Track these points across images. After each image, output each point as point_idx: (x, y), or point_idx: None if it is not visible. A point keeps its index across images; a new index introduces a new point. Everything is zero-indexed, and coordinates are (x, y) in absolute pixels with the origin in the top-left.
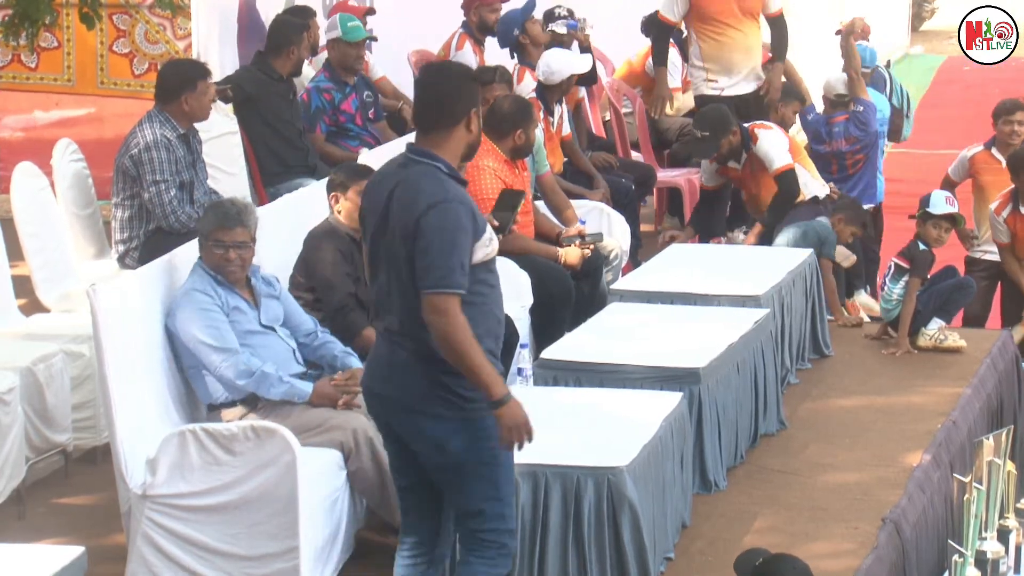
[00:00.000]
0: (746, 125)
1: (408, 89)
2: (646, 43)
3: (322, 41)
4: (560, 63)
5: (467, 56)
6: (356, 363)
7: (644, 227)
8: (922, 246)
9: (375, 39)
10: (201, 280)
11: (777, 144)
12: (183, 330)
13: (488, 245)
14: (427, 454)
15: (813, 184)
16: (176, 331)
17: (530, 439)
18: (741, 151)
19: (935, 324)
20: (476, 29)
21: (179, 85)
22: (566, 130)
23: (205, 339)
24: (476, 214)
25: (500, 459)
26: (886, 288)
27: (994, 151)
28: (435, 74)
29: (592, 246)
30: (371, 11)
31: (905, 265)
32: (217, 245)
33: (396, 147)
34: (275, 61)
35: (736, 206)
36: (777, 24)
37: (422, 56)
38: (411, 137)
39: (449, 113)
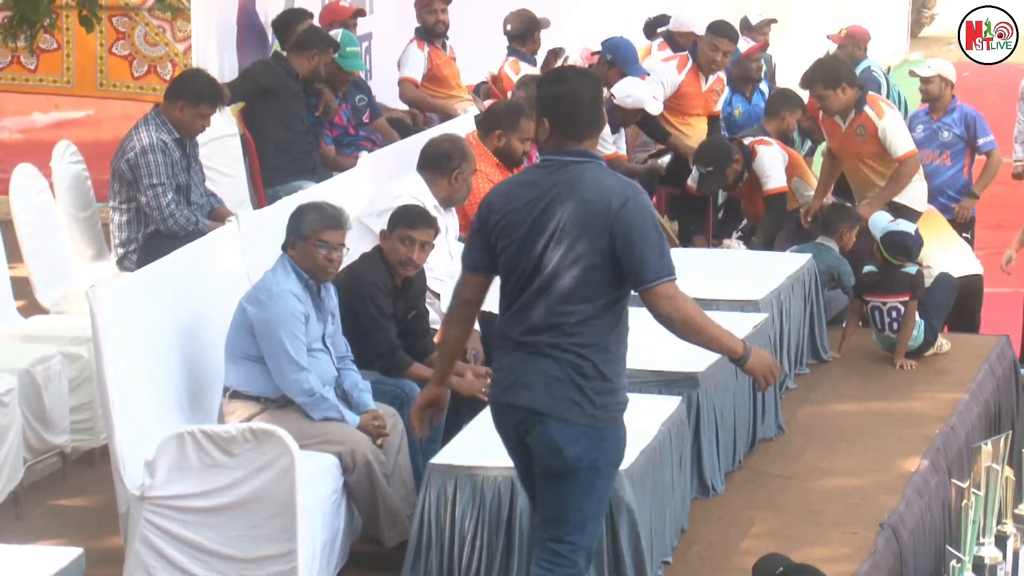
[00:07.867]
0: (747, 142)
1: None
2: (644, 42)
3: None
4: (641, 95)
5: (411, 54)
6: (370, 400)
7: None
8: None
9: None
10: (292, 282)
11: (774, 162)
12: (267, 328)
13: None
14: (542, 458)
15: (811, 193)
16: (255, 322)
17: (780, 374)
18: (744, 172)
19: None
20: (424, 32)
21: (186, 92)
22: (622, 150)
23: (287, 348)
24: None
25: (604, 473)
26: None
27: None
28: (585, 81)
29: None
30: (361, 12)
31: None
32: (322, 245)
33: (396, 149)
34: (295, 58)
35: (728, 211)
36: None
37: None
38: (412, 139)
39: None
